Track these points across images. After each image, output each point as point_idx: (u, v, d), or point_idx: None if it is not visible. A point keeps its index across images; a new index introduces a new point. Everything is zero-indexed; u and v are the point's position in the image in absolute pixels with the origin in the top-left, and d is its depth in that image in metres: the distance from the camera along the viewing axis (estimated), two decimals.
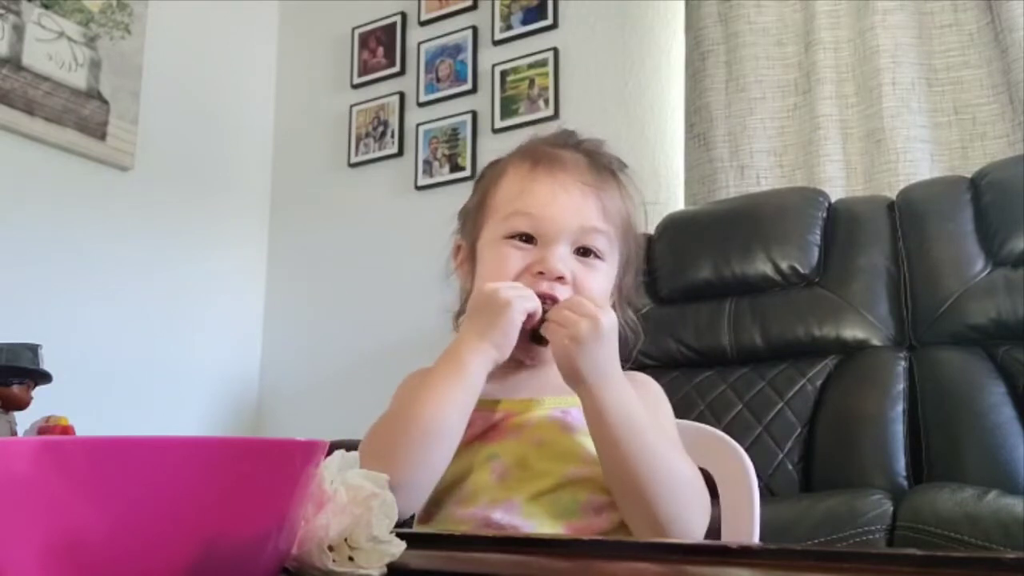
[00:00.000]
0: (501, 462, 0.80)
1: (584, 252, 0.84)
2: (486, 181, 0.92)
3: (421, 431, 0.75)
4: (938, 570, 0.41)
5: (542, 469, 0.79)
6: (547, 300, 0.81)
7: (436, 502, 0.81)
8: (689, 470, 0.78)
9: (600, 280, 0.85)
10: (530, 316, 0.79)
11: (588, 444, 0.80)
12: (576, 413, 0.82)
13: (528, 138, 0.94)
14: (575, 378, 0.76)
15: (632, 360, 0.91)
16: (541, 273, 0.81)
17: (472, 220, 0.91)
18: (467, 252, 0.91)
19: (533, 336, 0.80)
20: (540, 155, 0.87)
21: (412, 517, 0.83)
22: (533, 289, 0.81)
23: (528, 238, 0.83)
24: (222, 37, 2.92)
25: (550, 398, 0.84)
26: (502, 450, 0.81)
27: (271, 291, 2.95)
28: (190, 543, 0.36)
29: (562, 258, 0.82)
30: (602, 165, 0.88)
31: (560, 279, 0.81)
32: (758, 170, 2.09)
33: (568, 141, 0.90)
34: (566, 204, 0.83)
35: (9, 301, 2.20)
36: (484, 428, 0.82)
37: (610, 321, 0.77)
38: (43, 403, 1.38)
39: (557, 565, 0.51)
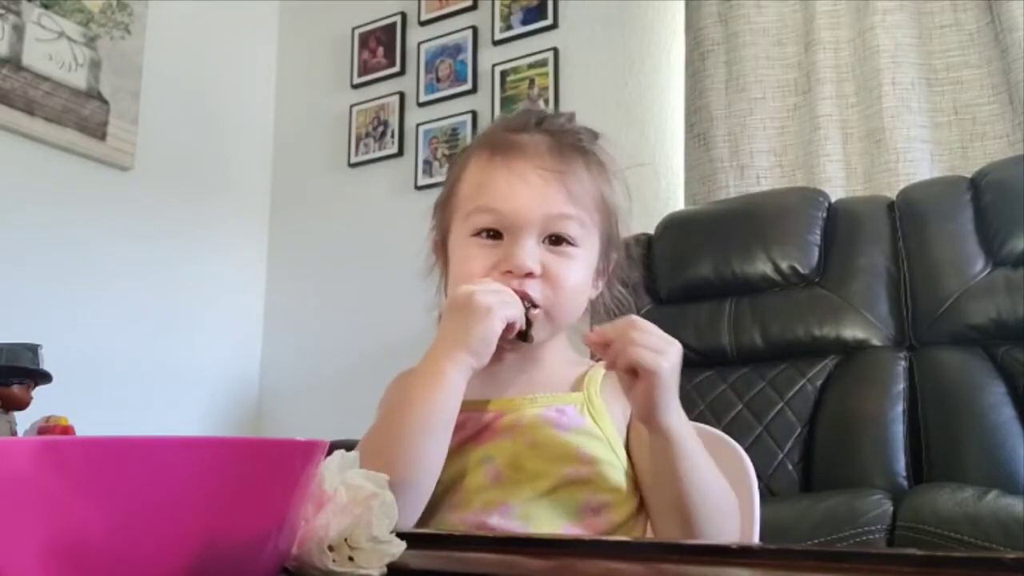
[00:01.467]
0: (495, 464, 0.78)
1: (556, 240, 0.80)
2: (452, 174, 0.88)
3: (410, 431, 0.74)
4: (938, 570, 0.41)
5: (537, 470, 0.77)
6: (525, 299, 0.78)
7: (431, 508, 0.78)
8: (731, 493, 0.77)
9: (576, 268, 0.81)
10: (510, 325, 0.76)
11: (584, 444, 0.78)
12: (571, 411, 0.80)
13: (491, 123, 0.92)
14: (659, 409, 0.71)
15: None
16: (510, 271, 0.78)
17: (441, 215, 0.88)
18: (440, 247, 0.89)
19: (520, 336, 0.77)
20: (497, 144, 0.83)
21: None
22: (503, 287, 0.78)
23: (494, 233, 0.80)
24: (222, 37, 2.92)
25: (542, 396, 0.81)
26: (495, 451, 0.79)
27: (271, 291, 2.95)
28: (190, 543, 0.36)
29: (529, 253, 0.78)
30: (566, 145, 0.83)
31: (529, 275, 0.78)
32: (758, 170, 2.09)
33: (529, 123, 0.85)
34: (527, 195, 0.79)
35: (9, 301, 2.20)
36: (475, 430, 0.80)
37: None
38: (43, 403, 1.38)
39: (558, 565, 0.50)
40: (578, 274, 0.81)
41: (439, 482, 0.77)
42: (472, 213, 0.81)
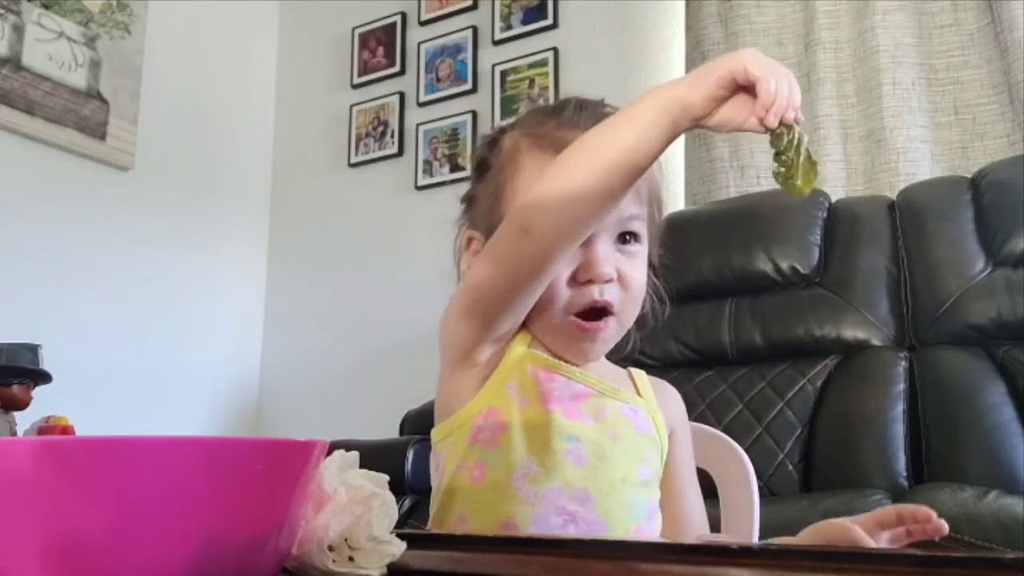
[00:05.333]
0: (579, 446, 0.76)
1: (623, 238, 0.80)
2: (499, 169, 0.84)
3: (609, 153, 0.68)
4: (938, 570, 0.41)
5: (618, 465, 0.76)
6: (606, 309, 0.78)
7: (493, 463, 0.75)
8: None
9: (641, 266, 0.81)
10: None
11: (650, 449, 0.80)
12: (641, 414, 0.81)
13: (528, 112, 0.88)
14: None
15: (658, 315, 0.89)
16: (590, 280, 0.77)
17: (488, 212, 0.83)
18: (482, 245, 0.83)
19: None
20: (557, 145, 0.78)
21: (414, 509, 0.81)
22: (582, 300, 0.76)
23: None
24: (222, 37, 2.92)
25: (624, 392, 0.82)
26: (580, 432, 0.76)
27: (271, 291, 2.95)
28: (190, 543, 0.36)
29: (607, 259, 0.77)
30: None
31: (608, 281, 0.77)
32: (758, 170, 2.09)
33: (577, 121, 0.81)
34: None
35: (9, 301, 2.20)
36: (560, 394, 0.78)
37: None
38: (43, 403, 1.38)
39: (557, 565, 0.50)
40: (643, 272, 0.82)
41: (511, 436, 0.75)
42: None
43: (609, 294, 0.78)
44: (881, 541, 0.62)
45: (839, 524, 0.63)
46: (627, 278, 0.79)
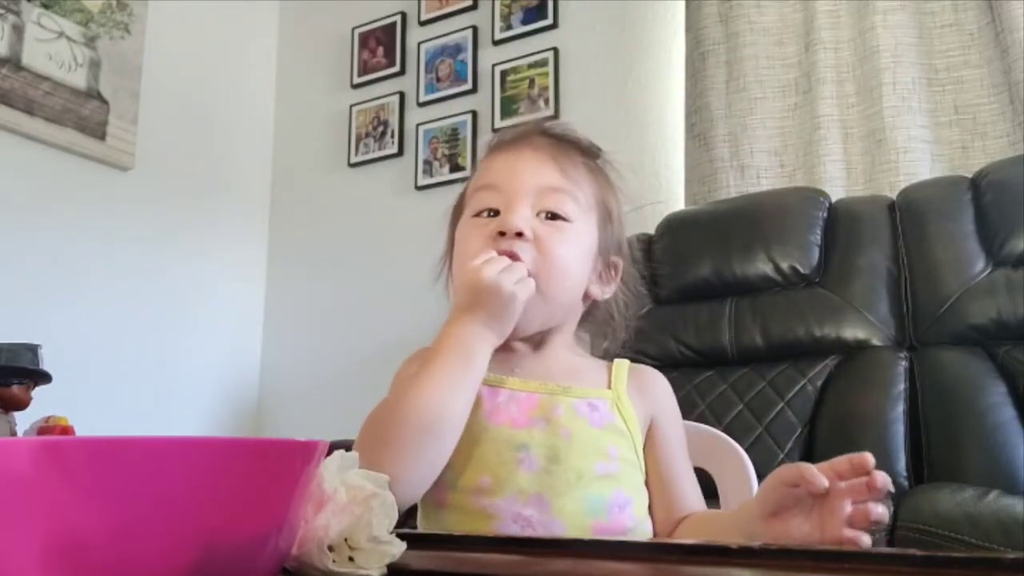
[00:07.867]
0: (531, 454, 0.78)
1: (552, 217, 0.82)
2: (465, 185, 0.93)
3: (422, 424, 0.72)
4: (938, 570, 0.41)
5: (573, 465, 0.77)
6: (513, 260, 0.79)
7: (452, 487, 0.78)
8: None
9: (570, 241, 0.82)
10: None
11: (615, 441, 0.80)
12: (603, 407, 0.82)
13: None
14: None
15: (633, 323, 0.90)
16: (502, 234, 0.80)
17: (453, 217, 0.92)
18: (449, 243, 0.91)
19: None
20: (502, 136, 0.90)
21: (413, 508, 0.82)
22: (495, 249, 0.79)
23: (495, 214, 0.83)
24: (222, 37, 2.92)
25: (577, 388, 0.82)
26: (530, 440, 0.78)
27: (271, 291, 2.95)
28: (190, 543, 0.36)
29: (521, 215, 0.80)
30: (564, 141, 0.88)
31: (520, 235, 0.79)
32: (758, 170, 2.09)
33: (536, 127, 0.90)
34: (521, 168, 0.83)
35: (9, 301, 2.20)
36: (508, 408, 0.80)
37: None
38: (43, 403, 1.38)
39: (557, 565, 0.50)
40: (571, 248, 0.82)
41: (465, 457, 0.77)
42: (472, 195, 0.86)
43: (520, 249, 0.79)
44: (837, 487, 0.62)
45: (791, 465, 0.64)
46: (547, 246, 0.80)
